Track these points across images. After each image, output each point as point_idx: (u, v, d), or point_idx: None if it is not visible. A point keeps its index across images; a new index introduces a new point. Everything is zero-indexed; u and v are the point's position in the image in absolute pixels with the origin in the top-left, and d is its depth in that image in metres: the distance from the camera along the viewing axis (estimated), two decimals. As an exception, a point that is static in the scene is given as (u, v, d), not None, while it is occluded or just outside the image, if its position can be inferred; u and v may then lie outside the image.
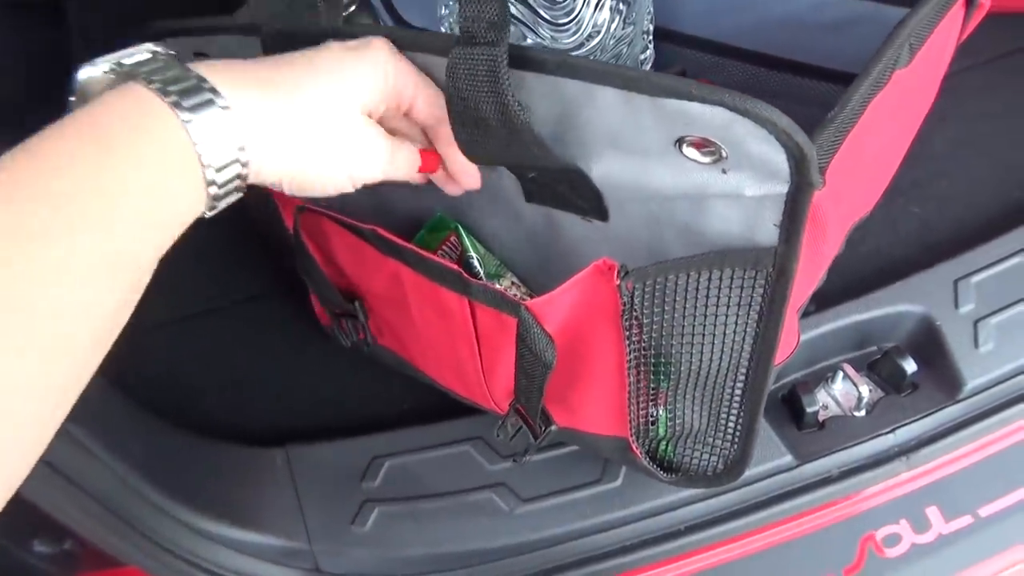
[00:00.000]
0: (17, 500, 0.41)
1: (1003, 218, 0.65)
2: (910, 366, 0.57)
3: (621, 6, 0.50)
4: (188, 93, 0.28)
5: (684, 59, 0.60)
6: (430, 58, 0.35)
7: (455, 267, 0.40)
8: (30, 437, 0.26)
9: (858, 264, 0.66)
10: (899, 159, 0.56)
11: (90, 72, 0.29)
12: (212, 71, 0.30)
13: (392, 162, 0.36)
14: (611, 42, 0.51)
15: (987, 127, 0.75)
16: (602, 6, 0.49)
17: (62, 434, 0.42)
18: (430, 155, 0.38)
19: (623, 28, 0.51)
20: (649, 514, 0.55)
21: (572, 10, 0.48)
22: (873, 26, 0.49)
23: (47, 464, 0.40)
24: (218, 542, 0.50)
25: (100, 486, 0.43)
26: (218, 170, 0.29)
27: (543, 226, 0.42)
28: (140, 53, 0.30)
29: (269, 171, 0.31)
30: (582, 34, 0.49)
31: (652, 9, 0.55)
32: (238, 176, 0.30)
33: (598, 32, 0.49)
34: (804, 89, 0.58)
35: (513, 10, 0.47)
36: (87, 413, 0.46)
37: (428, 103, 0.36)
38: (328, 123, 0.32)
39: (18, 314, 0.23)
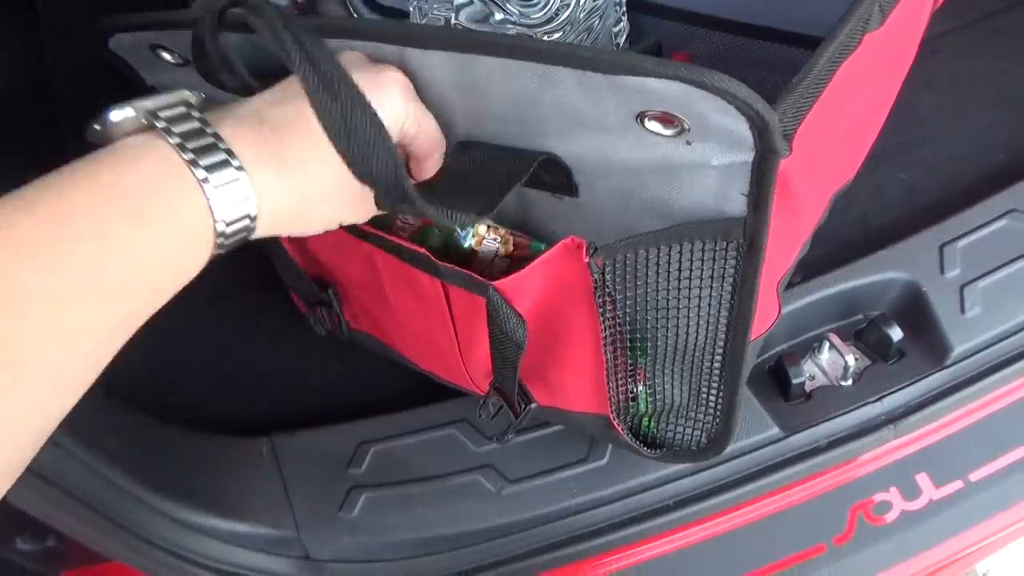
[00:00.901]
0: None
1: (988, 182, 0.65)
2: (896, 334, 0.57)
3: (591, -23, 0.49)
4: (205, 152, 0.29)
5: (660, 30, 0.59)
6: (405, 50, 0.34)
7: (423, 251, 0.40)
8: (16, 460, 0.27)
9: (844, 232, 0.65)
10: (879, 124, 0.55)
11: (124, 114, 0.29)
12: (223, 126, 0.30)
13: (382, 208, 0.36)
14: (582, 15, 0.50)
15: (972, 91, 0.74)
16: (571, -22, 0.48)
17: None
18: None
19: (594, 1, 0.50)
20: (637, 491, 0.55)
21: (540, -17, 0.47)
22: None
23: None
24: (205, 533, 0.50)
25: (79, 483, 0.43)
26: (228, 225, 0.30)
27: (514, 206, 0.42)
28: (176, 106, 0.30)
29: (271, 229, 0.32)
30: (550, 8, 0.48)
31: (624, -20, 0.54)
32: (245, 229, 0.31)
33: (567, 5, 0.48)
34: (782, 56, 0.57)
35: (478, -15, 0.47)
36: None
37: (428, 138, 0.35)
38: (334, 192, 0.33)
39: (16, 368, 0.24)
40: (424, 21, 0.51)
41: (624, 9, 0.55)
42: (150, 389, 0.56)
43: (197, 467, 0.53)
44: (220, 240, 0.30)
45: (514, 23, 0.48)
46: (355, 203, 0.34)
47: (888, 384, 0.57)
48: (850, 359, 0.57)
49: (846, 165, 0.52)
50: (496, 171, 0.35)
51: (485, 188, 0.34)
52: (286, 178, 0.31)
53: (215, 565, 0.50)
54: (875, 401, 0.56)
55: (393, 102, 0.33)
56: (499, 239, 0.42)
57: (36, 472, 0.40)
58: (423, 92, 0.35)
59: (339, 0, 0.54)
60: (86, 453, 0.44)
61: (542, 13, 0.48)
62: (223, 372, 0.61)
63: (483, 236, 0.42)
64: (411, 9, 0.52)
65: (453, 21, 0.50)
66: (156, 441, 0.53)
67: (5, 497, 0.37)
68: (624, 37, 0.56)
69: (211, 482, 0.53)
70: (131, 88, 0.47)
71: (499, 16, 0.48)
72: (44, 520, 0.42)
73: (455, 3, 0.49)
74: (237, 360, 0.61)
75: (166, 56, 0.42)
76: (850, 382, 0.58)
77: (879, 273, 0.60)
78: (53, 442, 0.42)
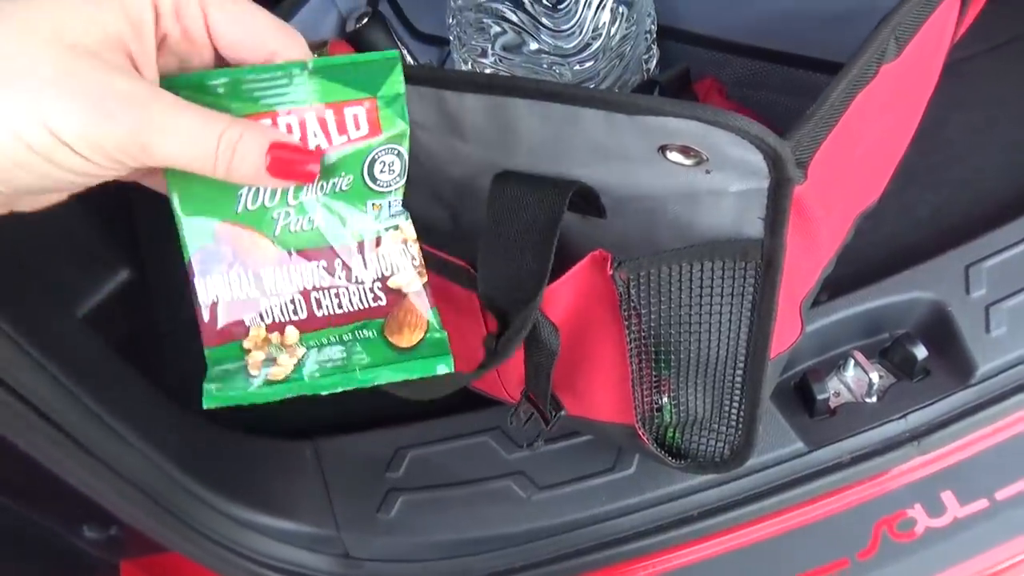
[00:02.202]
0: (68, 489, 0.44)
1: (1016, 203, 0.65)
2: (921, 352, 0.58)
3: (622, 8, 0.52)
4: None
5: (688, 56, 0.61)
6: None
7: (463, 263, 0.42)
8: None
9: (870, 251, 0.66)
10: (902, 148, 0.56)
11: None
12: None
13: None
14: (613, 44, 0.52)
15: (1001, 112, 0.74)
16: (603, 8, 0.51)
17: (105, 428, 0.46)
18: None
19: (625, 30, 0.53)
20: (663, 500, 0.56)
21: (573, 15, 0.50)
22: (879, 17, 0.50)
23: (93, 456, 0.44)
24: (253, 529, 0.54)
25: (142, 476, 0.47)
26: None
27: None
28: None
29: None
30: (584, 38, 0.50)
31: (654, 9, 0.56)
32: None
33: (599, 35, 0.51)
34: (807, 80, 0.58)
35: (514, 18, 0.50)
36: (128, 408, 0.49)
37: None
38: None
39: None
40: (463, 49, 0.54)
41: (654, 37, 0.57)
42: (199, 390, 0.59)
43: (246, 467, 0.57)
44: None
45: (548, 53, 0.51)
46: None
47: (913, 402, 0.58)
48: (875, 376, 0.58)
49: (869, 187, 0.54)
50: (537, 215, 0.37)
51: (533, 241, 0.37)
52: None
53: (262, 559, 0.53)
54: (899, 418, 0.57)
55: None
56: (415, 264, 0.33)
57: (105, 463, 0.44)
58: (462, 129, 0.38)
59: (384, 29, 0.58)
60: (149, 449, 0.47)
61: (576, 43, 0.50)
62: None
63: (406, 238, 0.33)
64: (451, 38, 0.55)
65: (490, 51, 0.53)
66: (210, 441, 0.57)
67: (77, 489, 0.41)
68: (654, 63, 0.58)
69: (259, 481, 0.56)
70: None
71: (533, 46, 0.51)
72: (109, 509, 0.45)
73: (491, 33, 0.52)
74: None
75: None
76: (875, 399, 0.59)
77: (905, 292, 0.61)
78: (120, 437, 0.46)
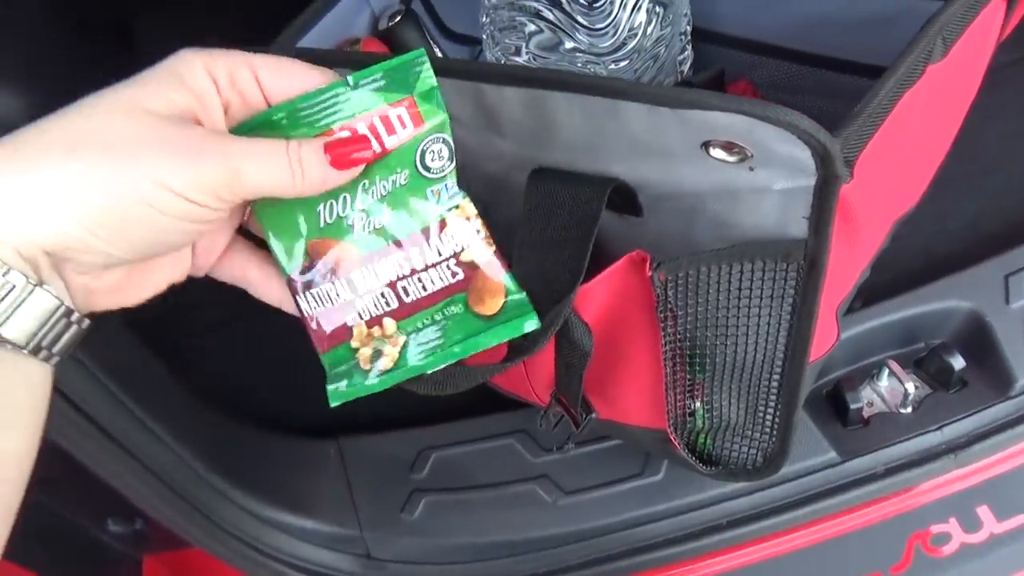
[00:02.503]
0: (95, 481, 0.44)
1: (1056, 212, 0.64)
2: (958, 363, 0.57)
3: (658, 9, 0.51)
4: None
5: (723, 58, 0.60)
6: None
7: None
8: None
9: (906, 259, 0.65)
10: (942, 153, 0.55)
11: None
12: None
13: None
14: (648, 44, 0.52)
15: (1042, 120, 0.73)
16: (639, 9, 0.50)
17: (135, 421, 0.46)
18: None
19: (660, 30, 0.52)
20: (691, 508, 0.55)
21: (609, 14, 0.49)
22: (914, 20, 0.49)
23: (122, 448, 0.44)
24: (276, 527, 0.53)
25: (169, 471, 0.47)
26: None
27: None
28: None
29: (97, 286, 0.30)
30: (619, 38, 0.50)
31: (689, 10, 0.56)
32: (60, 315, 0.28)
33: (635, 35, 0.50)
34: (841, 84, 0.58)
35: (550, 16, 0.49)
36: (156, 403, 0.49)
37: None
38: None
39: None
40: (497, 48, 0.54)
41: (689, 39, 0.57)
42: (231, 390, 0.59)
43: (270, 465, 0.56)
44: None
45: (583, 51, 0.50)
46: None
47: (949, 413, 0.57)
48: (910, 386, 0.57)
49: (908, 192, 0.52)
50: (574, 212, 0.37)
51: (570, 239, 0.37)
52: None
53: (284, 558, 0.53)
54: (935, 430, 0.56)
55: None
56: (481, 235, 0.34)
57: (134, 455, 0.44)
58: (499, 124, 0.37)
59: (416, 28, 0.58)
60: (177, 443, 0.47)
61: (611, 42, 0.50)
62: (296, 377, 0.64)
63: (468, 214, 0.34)
64: (484, 36, 0.55)
65: (524, 49, 0.52)
66: (235, 438, 0.56)
67: (105, 480, 0.41)
68: (688, 65, 0.58)
69: (283, 479, 0.56)
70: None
71: (569, 45, 0.50)
72: (135, 502, 0.45)
73: (526, 32, 0.52)
74: (310, 366, 0.64)
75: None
76: (909, 410, 0.57)
77: (942, 301, 0.60)
78: (149, 430, 0.46)
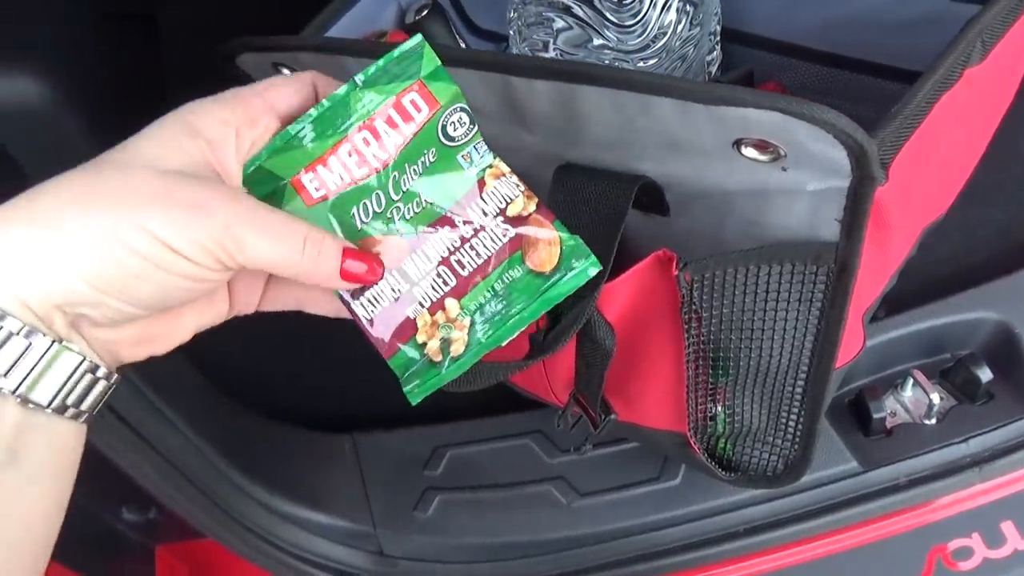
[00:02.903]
0: (110, 469, 0.44)
1: (1090, 223, 0.63)
2: (985, 374, 0.56)
3: (688, 8, 0.51)
4: None
5: (752, 59, 0.59)
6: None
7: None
8: None
9: (933, 268, 0.64)
10: (974, 161, 0.54)
11: None
12: None
13: None
14: (677, 43, 0.51)
15: (1076, 129, 0.71)
16: (669, 8, 0.50)
17: (154, 411, 0.46)
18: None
19: (690, 30, 0.51)
20: (708, 514, 0.55)
21: (638, 12, 0.49)
22: (950, 24, 0.48)
23: (140, 437, 0.44)
24: (289, 520, 0.53)
25: (185, 461, 0.47)
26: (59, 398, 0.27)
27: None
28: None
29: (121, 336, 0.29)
30: (648, 36, 0.49)
31: (720, 10, 0.55)
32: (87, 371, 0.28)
33: (664, 34, 0.50)
34: (870, 87, 0.57)
35: (579, 12, 0.49)
36: (174, 394, 0.49)
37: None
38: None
39: None
40: (524, 44, 0.53)
41: (718, 38, 0.56)
42: (248, 382, 0.59)
43: (285, 458, 0.56)
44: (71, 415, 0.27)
45: (612, 48, 0.50)
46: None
47: (975, 425, 0.55)
48: (935, 397, 0.56)
49: (939, 199, 0.51)
50: (600, 209, 0.36)
51: (595, 236, 0.36)
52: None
53: (297, 552, 0.53)
54: (960, 442, 0.55)
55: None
56: (521, 189, 0.34)
57: (151, 445, 0.44)
58: (526, 118, 0.37)
59: (443, 23, 0.57)
60: (192, 432, 0.47)
61: (639, 40, 0.49)
62: (313, 371, 0.64)
63: (503, 172, 0.34)
64: (511, 33, 0.55)
65: (551, 45, 0.52)
66: (251, 431, 0.56)
67: (120, 467, 0.41)
68: (716, 66, 0.57)
69: (297, 473, 0.56)
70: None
71: (597, 41, 0.50)
72: (151, 491, 0.45)
73: (554, 28, 0.51)
74: (327, 361, 0.64)
75: (286, 72, 0.45)
76: (934, 421, 0.56)
77: (969, 312, 0.59)
78: (167, 420, 0.46)
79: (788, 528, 0.54)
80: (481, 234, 0.33)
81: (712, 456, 0.48)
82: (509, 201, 0.33)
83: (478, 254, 0.33)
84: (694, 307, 0.38)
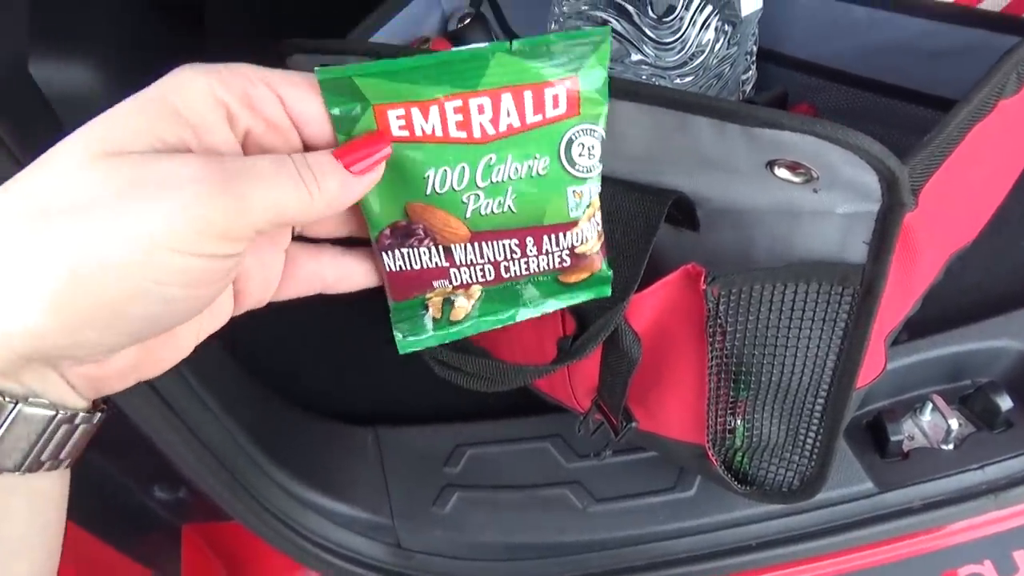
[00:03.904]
0: (146, 447, 0.46)
1: (1118, 258, 0.63)
2: (1005, 403, 0.56)
3: (726, 27, 0.51)
4: None
5: (786, 80, 0.60)
6: None
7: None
8: None
9: (958, 295, 0.64)
10: (1005, 189, 0.55)
11: None
12: None
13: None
14: (714, 62, 0.52)
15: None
16: (708, 27, 0.51)
17: (187, 388, 0.47)
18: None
19: (727, 49, 0.52)
20: (721, 526, 0.55)
21: (678, 30, 0.50)
22: (985, 54, 0.48)
23: (178, 417, 0.45)
24: (311, 508, 0.55)
25: (218, 444, 0.48)
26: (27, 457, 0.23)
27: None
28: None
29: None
30: (686, 53, 0.50)
31: (757, 31, 0.56)
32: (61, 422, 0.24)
33: (702, 52, 0.51)
34: (906, 115, 0.57)
35: (619, 27, 0.50)
36: (209, 376, 0.51)
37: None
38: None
39: None
40: (562, 57, 0.54)
41: (754, 59, 0.57)
42: (278, 371, 0.61)
43: (310, 447, 0.58)
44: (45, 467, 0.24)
45: (649, 64, 0.51)
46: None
47: (992, 453, 0.56)
48: (953, 423, 0.56)
49: (967, 227, 0.52)
50: (633, 222, 0.37)
51: (628, 248, 0.37)
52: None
53: (316, 539, 0.54)
54: (977, 469, 0.55)
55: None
56: (599, 229, 0.33)
57: (187, 426, 0.45)
58: None
59: (485, 32, 0.59)
60: (225, 416, 0.49)
61: (677, 57, 0.50)
62: (341, 364, 0.65)
63: (595, 210, 0.32)
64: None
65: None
66: (279, 418, 0.58)
67: (156, 445, 0.42)
68: (751, 85, 0.58)
69: (321, 463, 0.57)
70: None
71: (635, 57, 0.51)
72: (183, 470, 0.46)
73: (593, 42, 0.52)
74: (354, 355, 0.65)
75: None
76: (951, 447, 0.57)
77: (992, 340, 0.59)
78: (203, 403, 0.47)
79: (801, 545, 0.55)
80: (541, 257, 0.32)
81: (729, 469, 0.49)
82: (584, 242, 0.32)
83: (527, 268, 0.32)
84: (720, 321, 0.39)
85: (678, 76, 0.51)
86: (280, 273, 0.30)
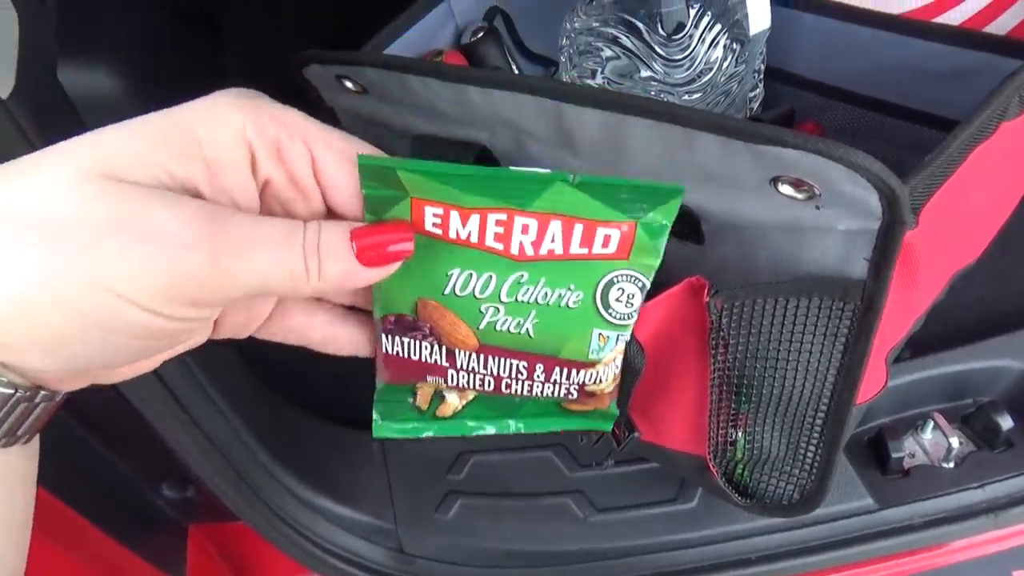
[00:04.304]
0: (156, 446, 0.46)
1: (1122, 280, 0.63)
2: (1006, 422, 0.56)
3: (734, 45, 0.52)
4: None
5: (793, 98, 0.61)
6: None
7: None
8: None
9: (960, 313, 0.65)
10: (1008, 210, 0.55)
11: None
12: None
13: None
14: (722, 79, 0.53)
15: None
16: (716, 44, 0.52)
17: (201, 391, 0.48)
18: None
19: (735, 67, 0.53)
20: (722, 539, 0.56)
21: (687, 47, 0.50)
22: (993, 77, 0.49)
23: (188, 414, 0.46)
24: (315, 511, 0.55)
25: (227, 444, 0.49)
26: None
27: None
28: None
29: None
30: (694, 70, 0.51)
31: (765, 50, 0.57)
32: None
33: (710, 69, 0.52)
34: (911, 135, 0.58)
35: (627, 43, 0.51)
36: (219, 375, 0.51)
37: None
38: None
39: None
40: (573, 71, 0.55)
41: (761, 77, 0.58)
42: (286, 374, 0.62)
43: (316, 450, 0.58)
44: None
45: (658, 81, 0.51)
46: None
47: (993, 472, 0.56)
48: (954, 441, 0.57)
49: (970, 246, 0.52)
50: None
51: None
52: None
53: (320, 541, 0.55)
54: (977, 487, 0.56)
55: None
56: (615, 372, 0.33)
57: (198, 425, 0.46)
58: (574, 143, 0.39)
59: (497, 45, 0.60)
60: (233, 415, 0.49)
61: (686, 74, 0.51)
62: (348, 369, 0.66)
63: (618, 355, 0.32)
64: (562, 59, 0.57)
65: (599, 74, 0.54)
66: (286, 421, 0.59)
67: (165, 442, 0.43)
68: (759, 103, 0.59)
69: (326, 466, 0.58)
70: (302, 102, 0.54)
71: (644, 73, 0.52)
72: (193, 468, 0.47)
73: (603, 57, 0.53)
74: (362, 361, 0.66)
75: (348, 85, 0.48)
76: (951, 465, 0.57)
77: (994, 359, 0.59)
78: (213, 403, 0.48)
79: (800, 559, 0.55)
80: (548, 385, 0.30)
81: (729, 481, 0.49)
82: (598, 382, 0.30)
83: (530, 390, 0.30)
84: (722, 334, 0.40)
85: (686, 93, 0.52)
86: (265, 315, 0.28)
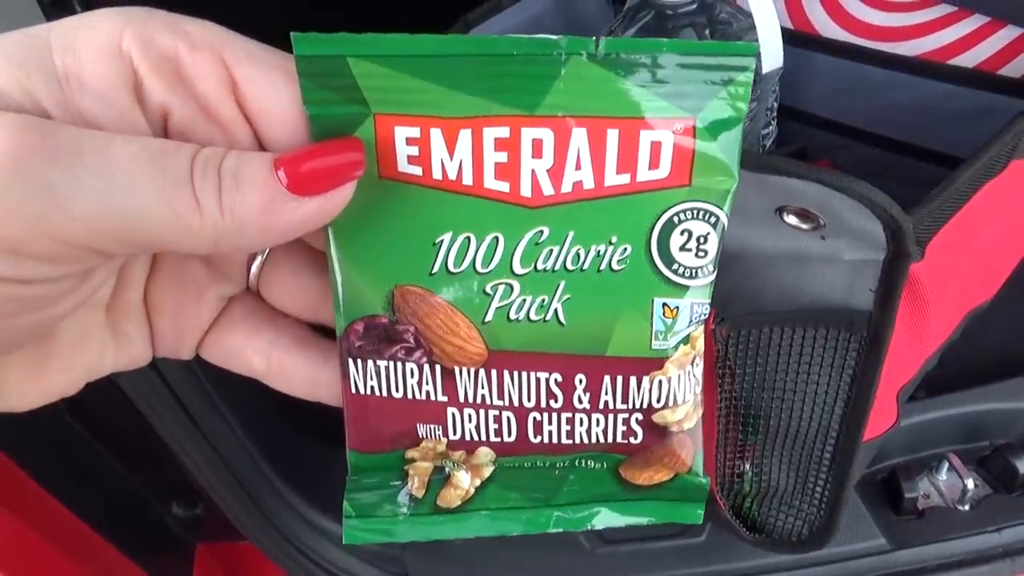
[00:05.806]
0: (168, 464, 0.47)
1: None
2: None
3: (747, 82, 0.53)
4: None
5: (807, 137, 0.62)
6: None
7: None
8: None
9: (978, 355, 0.64)
10: (1021, 253, 0.55)
11: None
12: None
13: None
14: (734, 115, 0.54)
15: None
16: (729, 81, 0.53)
17: (213, 408, 0.49)
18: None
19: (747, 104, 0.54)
20: (730, 574, 0.55)
21: (699, 83, 0.51)
22: (1006, 117, 0.50)
23: (200, 431, 0.46)
24: (321, 533, 0.55)
25: (237, 463, 0.49)
26: None
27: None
28: None
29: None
30: (707, 105, 0.52)
31: (778, 88, 0.58)
32: None
33: (722, 104, 0.52)
34: (926, 175, 0.58)
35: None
36: (231, 393, 0.52)
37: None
38: None
39: None
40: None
41: (774, 115, 0.59)
42: (291, 400, 0.62)
43: (324, 472, 0.59)
44: None
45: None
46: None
47: (1010, 516, 0.55)
48: (970, 483, 0.56)
49: (983, 284, 0.52)
50: None
51: None
52: None
53: (325, 564, 0.54)
54: (993, 531, 0.54)
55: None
56: (697, 393, 0.23)
57: (210, 443, 0.47)
58: None
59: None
60: (244, 435, 0.50)
61: (698, 109, 0.52)
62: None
63: (693, 357, 0.22)
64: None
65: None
66: (294, 441, 0.59)
67: (177, 456, 0.43)
68: (772, 140, 0.59)
69: (333, 489, 0.58)
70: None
71: (658, 108, 0.53)
72: (203, 485, 0.48)
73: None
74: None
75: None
76: (967, 507, 0.56)
77: (1012, 401, 0.59)
78: (222, 415, 0.49)
79: (811, 599, 0.54)
80: (596, 415, 0.20)
81: (737, 515, 0.49)
82: (672, 403, 0.21)
83: (571, 434, 0.21)
84: (728, 363, 0.40)
85: (699, 127, 0.52)
86: (203, 327, 0.21)
